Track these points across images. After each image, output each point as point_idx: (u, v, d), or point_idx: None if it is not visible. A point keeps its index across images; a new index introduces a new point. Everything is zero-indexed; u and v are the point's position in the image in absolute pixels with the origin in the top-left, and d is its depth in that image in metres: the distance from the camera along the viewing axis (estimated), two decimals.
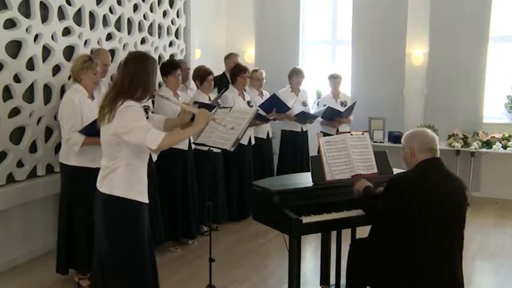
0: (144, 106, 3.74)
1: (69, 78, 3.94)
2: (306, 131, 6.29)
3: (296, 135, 6.21)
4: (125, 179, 2.74)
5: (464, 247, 2.86)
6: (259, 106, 5.49)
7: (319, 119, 6.26)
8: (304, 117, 6.04)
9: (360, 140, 3.40)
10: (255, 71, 6.02)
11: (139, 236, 2.81)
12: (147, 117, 3.86)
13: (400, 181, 2.84)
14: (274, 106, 5.57)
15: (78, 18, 4.70)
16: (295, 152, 6.22)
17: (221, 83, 5.80)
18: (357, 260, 3.07)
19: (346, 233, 3.58)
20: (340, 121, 6.17)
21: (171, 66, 4.68)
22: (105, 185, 2.78)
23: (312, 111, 6.38)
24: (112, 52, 5.03)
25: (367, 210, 3.04)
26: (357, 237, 3.55)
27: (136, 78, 2.74)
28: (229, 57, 6.23)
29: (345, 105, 6.27)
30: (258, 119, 5.41)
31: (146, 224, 2.89)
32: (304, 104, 6.25)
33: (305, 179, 3.33)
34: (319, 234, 3.65)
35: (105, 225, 2.80)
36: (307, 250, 4.69)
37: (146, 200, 2.86)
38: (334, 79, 6.32)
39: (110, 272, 2.81)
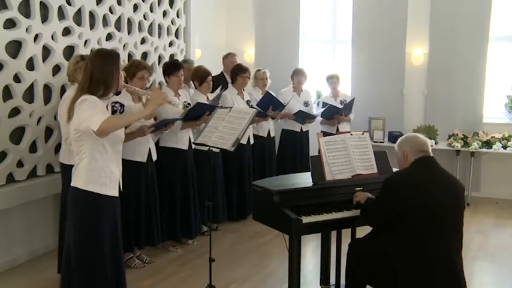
0: (113, 103, 3.74)
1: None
2: (307, 131, 6.29)
3: (295, 135, 6.22)
4: (86, 172, 2.78)
5: (464, 247, 2.87)
6: (256, 105, 5.48)
7: (319, 118, 6.26)
8: (303, 116, 6.04)
9: (360, 140, 3.40)
10: (258, 70, 6.03)
11: (98, 230, 2.82)
12: (122, 112, 3.91)
13: (396, 180, 2.85)
14: (270, 104, 5.57)
15: (78, 18, 4.70)
16: (294, 151, 6.23)
17: (219, 83, 5.79)
18: (356, 260, 3.07)
19: (346, 233, 3.58)
20: (339, 119, 6.18)
21: (174, 67, 4.65)
22: (72, 179, 2.86)
23: (314, 112, 6.37)
24: None
25: (370, 220, 3.03)
26: (356, 237, 3.56)
27: (95, 74, 2.77)
28: (227, 57, 6.22)
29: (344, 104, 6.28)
30: (257, 116, 5.39)
31: (112, 220, 2.89)
32: (306, 104, 6.25)
33: (305, 179, 3.33)
34: (319, 234, 3.66)
35: (69, 216, 2.88)
36: (307, 250, 4.69)
37: (111, 193, 2.86)
38: (331, 79, 6.38)
39: (73, 262, 2.85)
